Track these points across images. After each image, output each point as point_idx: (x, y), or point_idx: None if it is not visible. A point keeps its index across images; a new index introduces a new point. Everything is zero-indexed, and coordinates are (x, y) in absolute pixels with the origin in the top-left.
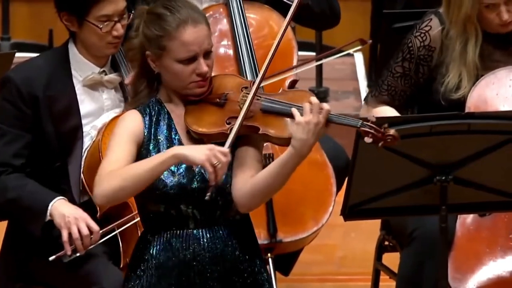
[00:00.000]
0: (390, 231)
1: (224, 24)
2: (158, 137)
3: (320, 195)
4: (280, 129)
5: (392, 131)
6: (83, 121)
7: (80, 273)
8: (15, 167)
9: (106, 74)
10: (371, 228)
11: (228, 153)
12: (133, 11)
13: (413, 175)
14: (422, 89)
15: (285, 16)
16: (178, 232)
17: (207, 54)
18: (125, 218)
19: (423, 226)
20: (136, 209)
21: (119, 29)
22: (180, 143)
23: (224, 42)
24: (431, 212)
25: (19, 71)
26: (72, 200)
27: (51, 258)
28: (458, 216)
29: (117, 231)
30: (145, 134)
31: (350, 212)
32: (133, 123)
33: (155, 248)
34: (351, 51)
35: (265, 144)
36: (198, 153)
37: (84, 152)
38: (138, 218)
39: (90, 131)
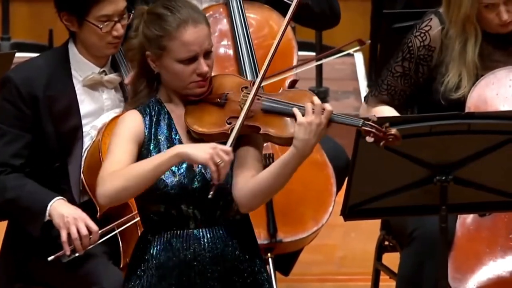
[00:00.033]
0: (390, 231)
1: (224, 24)
2: (159, 137)
3: (320, 195)
4: (281, 129)
5: (393, 131)
6: (83, 121)
7: (80, 273)
8: (15, 167)
9: (106, 74)
10: (371, 228)
11: (230, 151)
12: (132, 11)
13: (413, 175)
14: (422, 89)
15: (285, 16)
16: (178, 232)
17: (207, 54)
18: (125, 218)
19: (423, 226)
20: (136, 209)
21: (119, 29)
22: (181, 143)
23: (224, 42)
24: (431, 212)
25: (19, 71)
26: (72, 200)
27: (50, 258)
28: (458, 216)
29: (117, 231)
30: (146, 134)
31: (350, 212)
32: (133, 123)
33: (155, 248)
34: (351, 51)
35: (265, 144)
36: (201, 151)
37: (84, 152)
38: (138, 218)
39: (90, 131)
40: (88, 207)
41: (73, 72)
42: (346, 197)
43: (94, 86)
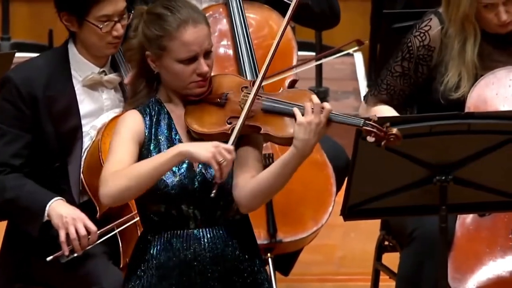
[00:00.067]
0: (390, 231)
1: (223, 24)
2: (159, 137)
3: (320, 195)
4: (281, 129)
5: (394, 131)
6: (83, 121)
7: (80, 273)
8: (14, 167)
9: (105, 74)
10: (371, 228)
11: (232, 150)
12: (132, 11)
13: (413, 175)
14: (422, 89)
15: (285, 16)
16: (178, 232)
17: (207, 54)
18: (124, 218)
19: (423, 226)
20: (136, 209)
21: (119, 29)
22: (181, 143)
23: (224, 42)
24: (431, 212)
25: (19, 71)
26: (71, 200)
27: (48, 259)
28: (458, 216)
29: (116, 231)
30: (146, 134)
31: (350, 212)
32: (134, 123)
33: (155, 248)
34: (350, 51)
35: (264, 144)
36: (204, 150)
37: (84, 152)
38: (138, 218)
39: (89, 131)
40: (88, 207)
41: (72, 72)
42: (346, 197)
43: (93, 86)
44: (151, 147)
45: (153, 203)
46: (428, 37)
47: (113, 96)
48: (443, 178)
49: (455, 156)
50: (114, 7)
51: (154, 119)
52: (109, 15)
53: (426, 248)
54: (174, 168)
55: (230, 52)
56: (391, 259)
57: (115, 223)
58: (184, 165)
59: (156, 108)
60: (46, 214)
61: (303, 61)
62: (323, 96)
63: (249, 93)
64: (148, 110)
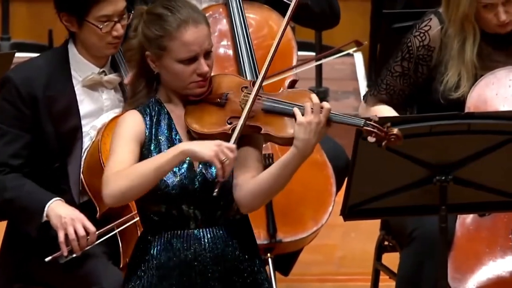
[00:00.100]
0: (390, 231)
1: (223, 24)
2: (159, 137)
3: (320, 195)
4: (282, 129)
5: (395, 131)
6: (83, 122)
7: (80, 273)
8: (13, 167)
9: (105, 75)
10: (371, 228)
11: (235, 149)
12: (132, 11)
13: (412, 175)
14: (421, 89)
15: (285, 16)
16: (178, 232)
17: (207, 54)
18: (124, 218)
19: (423, 226)
20: (136, 209)
21: (119, 29)
22: (183, 142)
23: (224, 42)
24: (430, 212)
25: (18, 71)
26: (71, 201)
27: (47, 259)
28: (458, 216)
29: (116, 231)
30: (147, 134)
31: (350, 212)
32: (134, 123)
33: (155, 249)
34: (350, 51)
35: (264, 145)
36: (206, 149)
37: (84, 152)
38: (138, 218)
39: (89, 131)
40: (88, 207)
41: (72, 72)
42: (345, 197)
43: (93, 86)
44: (152, 147)
45: (153, 203)
46: (428, 37)
47: (113, 96)
48: (443, 178)
49: (455, 156)
50: (114, 7)
51: (154, 119)
52: (109, 15)
53: (426, 248)
54: (174, 168)
55: (230, 52)
56: (391, 259)
57: (115, 223)
58: (185, 165)
59: (156, 108)
60: (45, 215)
61: (303, 61)
62: (323, 96)
63: (250, 93)
64: (148, 110)
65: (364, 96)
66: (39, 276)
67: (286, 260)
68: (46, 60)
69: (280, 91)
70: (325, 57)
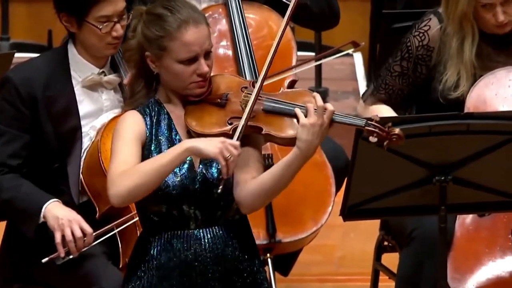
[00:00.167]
0: (389, 231)
1: (223, 25)
2: (159, 137)
3: (320, 195)
4: (283, 129)
5: (397, 130)
6: (82, 122)
7: (79, 273)
8: (11, 167)
9: (105, 75)
10: (370, 228)
11: (238, 146)
12: (131, 11)
13: (412, 175)
14: (421, 89)
15: (284, 16)
16: (178, 232)
17: (207, 54)
18: (124, 218)
19: (422, 226)
20: (135, 209)
21: (118, 30)
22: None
23: (223, 43)
24: (430, 212)
25: (18, 71)
26: (71, 201)
27: (44, 260)
28: (457, 216)
29: (116, 231)
30: (147, 134)
31: (349, 212)
32: (135, 123)
33: (155, 249)
34: (350, 51)
35: (263, 145)
36: (211, 146)
37: (83, 152)
38: (137, 218)
39: (89, 131)
40: (87, 207)
41: (72, 72)
42: (345, 197)
43: (93, 86)
44: (152, 148)
45: (154, 203)
46: (427, 37)
47: (112, 96)
48: (443, 178)
49: (455, 156)
50: (113, 7)
51: (154, 120)
52: (108, 16)
53: (425, 248)
54: (175, 169)
55: (230, 52)
56: (391, 259)
57: (115, 223)
58: (185, 166)
59: (156, 109)
60: (42, 216)
61: (302, 61)
62: (323, 96)
63: (250, 94)
64: (148, 111)
65: (363, 95)
66: (38, 276)
67: (286, 260)
68: (46, 61)
69: (280, 91)
70: (325, 57)
